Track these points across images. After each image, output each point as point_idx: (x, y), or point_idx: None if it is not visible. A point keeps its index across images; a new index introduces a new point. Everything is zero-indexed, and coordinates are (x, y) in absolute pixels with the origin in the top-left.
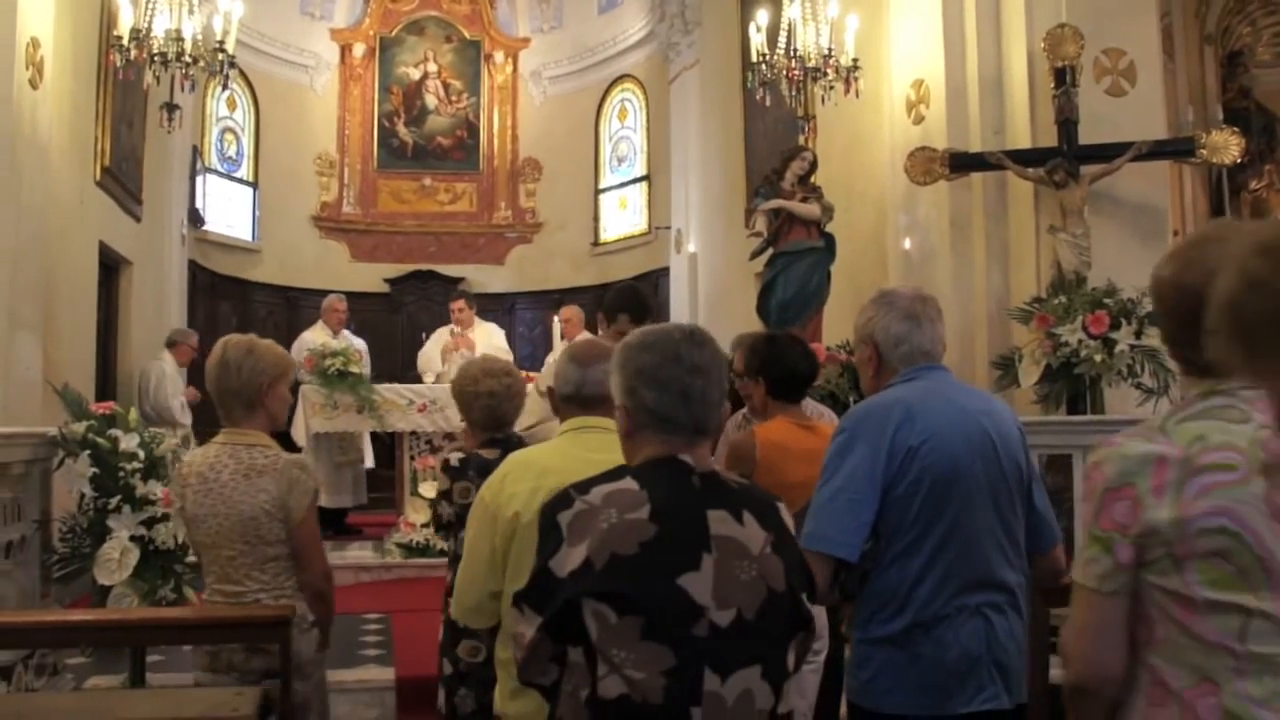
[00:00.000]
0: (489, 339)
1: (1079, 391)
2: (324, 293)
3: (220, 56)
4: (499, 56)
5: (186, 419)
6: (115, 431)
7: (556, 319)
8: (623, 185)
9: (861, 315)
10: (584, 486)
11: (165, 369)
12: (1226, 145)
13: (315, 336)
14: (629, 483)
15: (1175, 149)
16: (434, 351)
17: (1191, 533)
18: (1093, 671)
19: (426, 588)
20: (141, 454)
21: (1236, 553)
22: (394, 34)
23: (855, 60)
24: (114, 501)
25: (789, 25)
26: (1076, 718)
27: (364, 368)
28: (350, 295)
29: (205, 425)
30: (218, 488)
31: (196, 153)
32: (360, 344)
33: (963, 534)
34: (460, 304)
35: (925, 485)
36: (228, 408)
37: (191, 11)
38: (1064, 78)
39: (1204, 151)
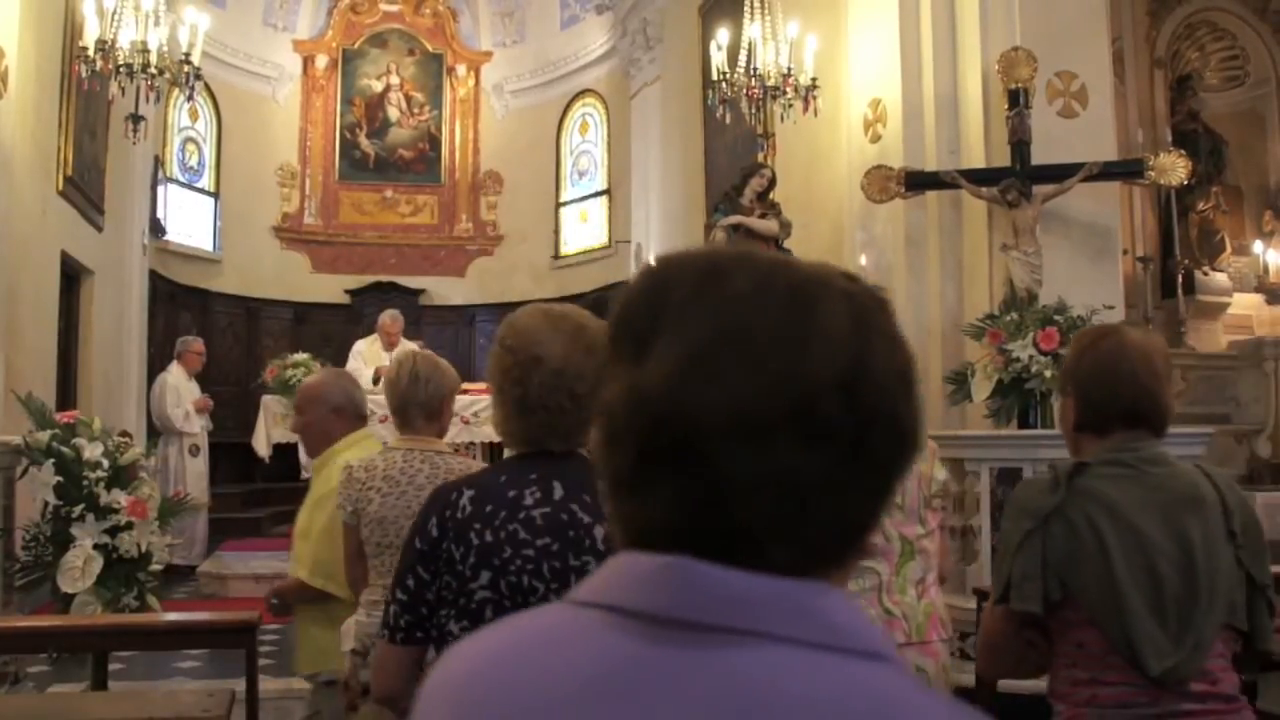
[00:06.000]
0: None
1: (1029, 406)
2: (284, 304)
3: (186, 69)
4: (461, 70)
5: (192, 427)
6: (79, 440)
7: None
8: (583, 199)
9: None
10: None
11: (168, 379)
12: (1174, 167)
13: (367, 347)
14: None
15: (1125, 170)
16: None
17: None
18: None
19: None
20: (105, 463)
21: None
22: (357, 46)
23: (814, 79)
24: (78, 510)
25: (749, 44)
26: None
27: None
28: (311, 306)
29: (220, 435)
30: (413, 490)
31: (158, 163)
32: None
33: None
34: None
35: None
36: (409, 417)
37: (157, 23)
38: (1017, 99)
39: (1153, 173)
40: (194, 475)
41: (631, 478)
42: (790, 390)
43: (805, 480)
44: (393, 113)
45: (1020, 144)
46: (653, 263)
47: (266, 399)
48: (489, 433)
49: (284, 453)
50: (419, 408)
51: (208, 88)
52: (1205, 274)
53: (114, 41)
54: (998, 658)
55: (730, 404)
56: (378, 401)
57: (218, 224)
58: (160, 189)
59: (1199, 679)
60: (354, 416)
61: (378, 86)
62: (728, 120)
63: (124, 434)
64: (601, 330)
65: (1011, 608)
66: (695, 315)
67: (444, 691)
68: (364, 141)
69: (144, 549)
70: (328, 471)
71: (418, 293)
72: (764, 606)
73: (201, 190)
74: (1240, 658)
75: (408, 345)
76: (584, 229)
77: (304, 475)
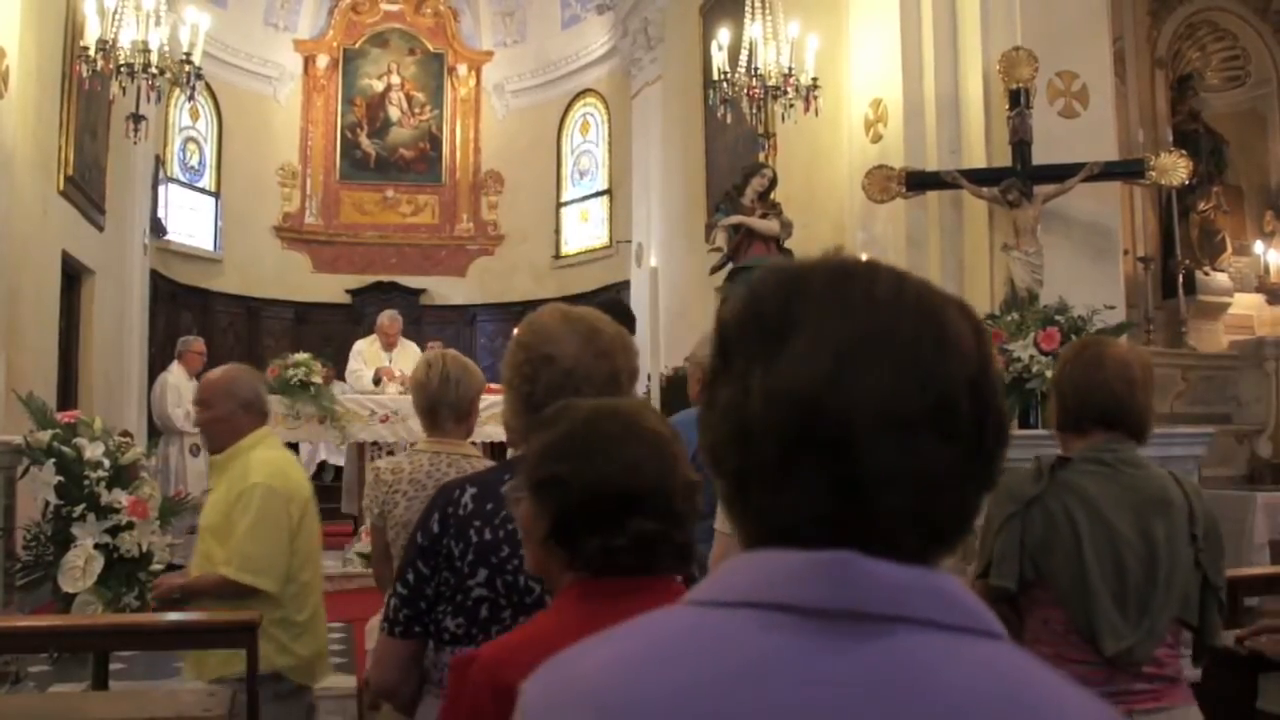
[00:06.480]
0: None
1: (1030, 406)
2: (285, 303)
3: (187, 68)
4: (462, 69)
5: (193, 427)
6: (80, 440)
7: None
8: (584, 199)
9: (700, 349)
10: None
11: (169, 379)
12: (1175, 167)
13: (367, 347)
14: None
15: (1126, 170)
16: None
17: None
18: None
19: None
20: (106, 462)
21: None
22: (358, 46)
23: (815, 79)
24: (79, 510)
25: (750, 44)
26: None
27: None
28: (311, 306)
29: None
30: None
31: (159, 162)
32: (414, 349)
33: None
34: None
35: None
36: (439, 418)
37: (158, 23)
38: (1018, 99)
39: (1154, 173)
40: (195, 475)
41: (771, 473)
42: (932, 389)
43: (937, 472)
44: (393, 112)
45: (1021, 144)
46: (775, 268)
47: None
48: (489, 432)
49: None
50: (449, 409)
51: (209, 87)
52: (1206, 274)
53: (115, 41)
54: None
55: (880, 401)
56: (379, 401)
57: (218, 224)
58: (161, 189)
59: (1148, 663)
60: (259, 413)
61: (378, 86)
62: (729, 120)
63: (125, 434)
64: (617, 336)
65: (990, 583)
66: (839, 316)
67: (572, 707)
68: (365, 141)
69: (145, 549)
70: (240, 467)
71: (418, 292)
72: (911, 593)
73: (202, 190)
74: (1193, 651)
75: (408, 345)
76: (585, 229)
77: None
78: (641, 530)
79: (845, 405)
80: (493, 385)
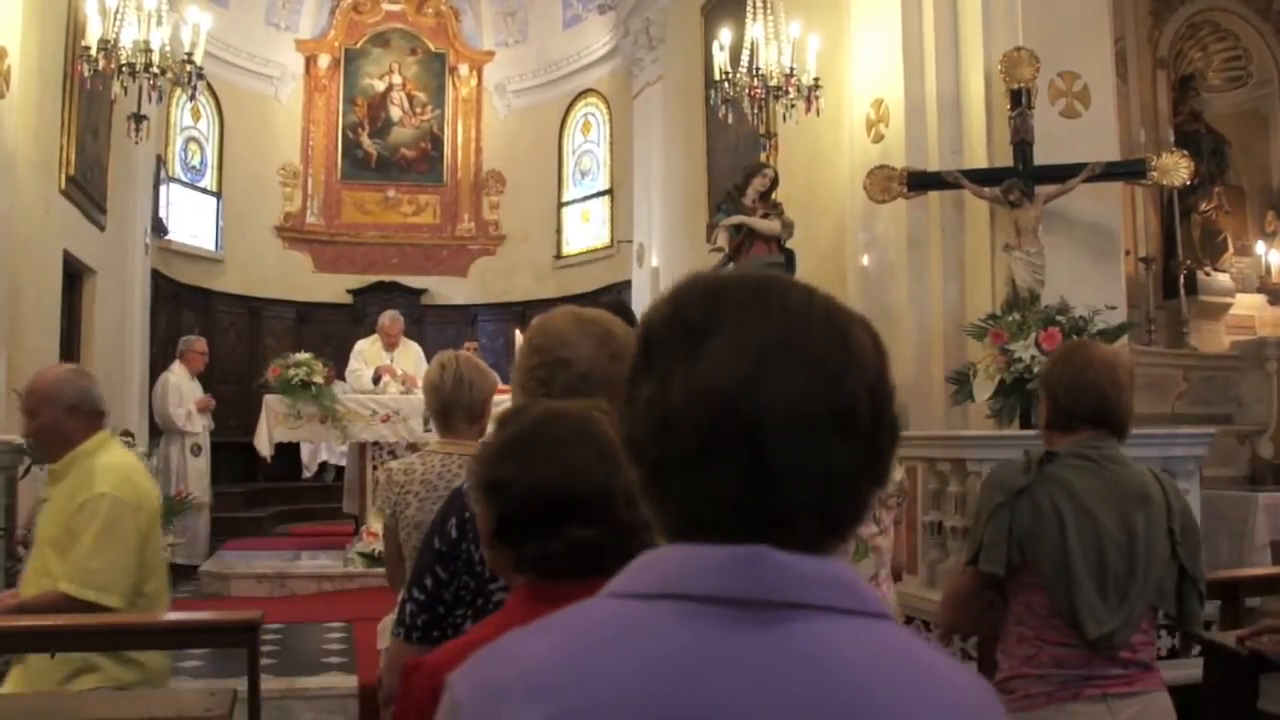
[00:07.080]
0: (417, 362)
1: (1031, 406)
2: (286, 303)
3: (188, 68)
4: (464, 69)
5: (194, 427)
6: None
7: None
8: (586, 199)
9: None
10: None
11: (170, 379)
12: (1177, 167)
13: (368, 347)
14: None
15: (1127, 170)
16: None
17: None
18: None
19: (388, 597)
20: None
21: None
22: (359, 46)
23: (816, 79)
24: None
25: (751, 44)
26: None
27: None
28: (313, 306)
29: (222, 434)
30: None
31: (160, 162)
32: (415, 349)
33: None
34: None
35: None
36: (452, 419)
37: (160, 22)
38: (1020, 99)
39: (1155, 173)
40: (196, 475)
41: (688, 462)
42: (837, 394)
43: (838, 467)
44: (395, 112)
45: (1023, 144)
46: (697, 276)
47: (269, 399)
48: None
49: (286, 452)
50: (463, 410)
51: (210, 87)
52: (1207, 274)
53: (116, 41)
54: (960, 611)
55: (791, 402)
56: (380, 401)
57: (220, 223)
58: (162, 188)
59: (1125, 648)
60: (91, 414)
61: (380, 86)
62: (730, 120)
63: (126, 433)
64: (629, 337)
65: (980, 568)
66: (757, 323)
67: (507, 696)
68: (366, 141)
69: None
70: (82, 475)
71: (420, 292)
72: (815, 582)
73: (204, 190)
74: (1180, 641)
75: (409, 345)
76: (586, 229)
77: (305, 474)
78: (578, 538)
79: (759, 404)
80: (503, 386)
